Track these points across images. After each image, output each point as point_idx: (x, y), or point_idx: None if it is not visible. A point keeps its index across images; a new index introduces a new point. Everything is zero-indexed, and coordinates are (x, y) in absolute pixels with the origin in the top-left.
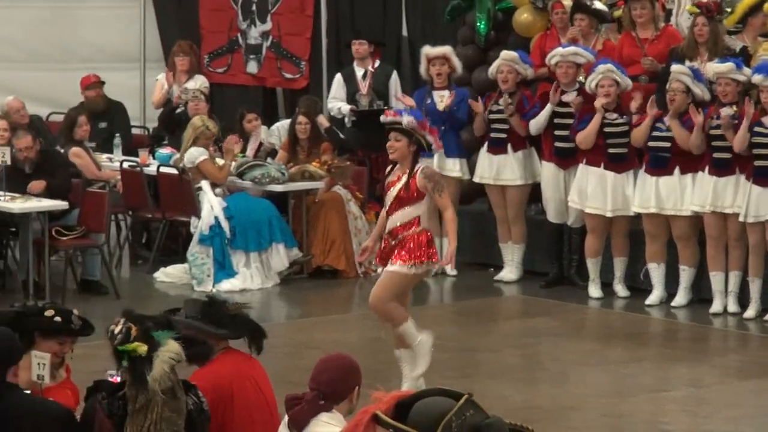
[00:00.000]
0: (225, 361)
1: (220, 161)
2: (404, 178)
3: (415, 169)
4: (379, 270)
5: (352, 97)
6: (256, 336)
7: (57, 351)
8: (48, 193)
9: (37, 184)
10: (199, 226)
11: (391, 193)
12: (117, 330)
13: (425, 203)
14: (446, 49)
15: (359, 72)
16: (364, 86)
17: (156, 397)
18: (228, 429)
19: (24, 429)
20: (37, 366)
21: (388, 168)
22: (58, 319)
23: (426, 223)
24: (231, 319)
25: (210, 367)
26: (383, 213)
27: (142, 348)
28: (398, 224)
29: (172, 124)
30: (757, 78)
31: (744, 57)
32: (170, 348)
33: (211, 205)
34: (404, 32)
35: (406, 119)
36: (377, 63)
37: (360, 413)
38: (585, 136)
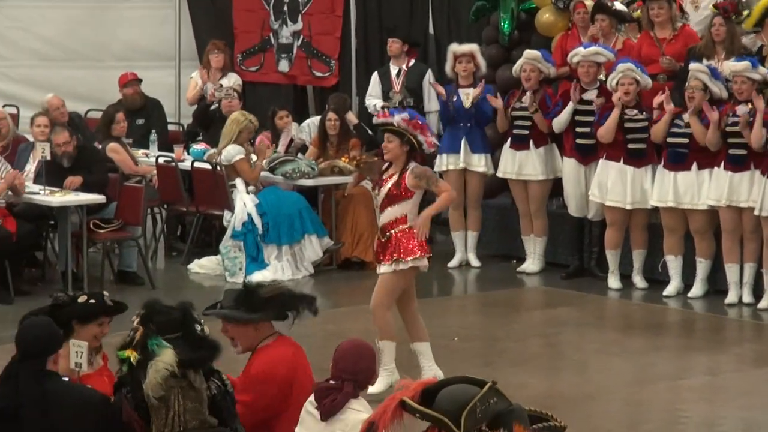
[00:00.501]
0: (283, 348)
1: (254, 157)
2: (395, 177)
3: (406, 168)
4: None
5: (386, 94)
6: (305, 304)
7: (97, 333)
8: (84, 188)
9: (74, 180)
10: (232, 222)
11: (383, 191)
12: (134, 324)
13: (413, 201)
14: (473, 47)
15: (394, 70)
16: (397, 84)
17: (150, 401)
18: (284, 417)
19: (63, 414)
20: (75, 354)
21: (384, 166)
22: (92, 301)
23: (413, 221)
24: (266, 302)
25: (273, 354)
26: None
27: (134, 355)
28: (387, 221)
29: (206, 121)
30: None
31: (759, 56)
32: (164, 359)
33: (244, 202)
34: (431, 31)
35: (397, 119)
36: (412, 62)
37: (388, 399)
38: (605, 131)
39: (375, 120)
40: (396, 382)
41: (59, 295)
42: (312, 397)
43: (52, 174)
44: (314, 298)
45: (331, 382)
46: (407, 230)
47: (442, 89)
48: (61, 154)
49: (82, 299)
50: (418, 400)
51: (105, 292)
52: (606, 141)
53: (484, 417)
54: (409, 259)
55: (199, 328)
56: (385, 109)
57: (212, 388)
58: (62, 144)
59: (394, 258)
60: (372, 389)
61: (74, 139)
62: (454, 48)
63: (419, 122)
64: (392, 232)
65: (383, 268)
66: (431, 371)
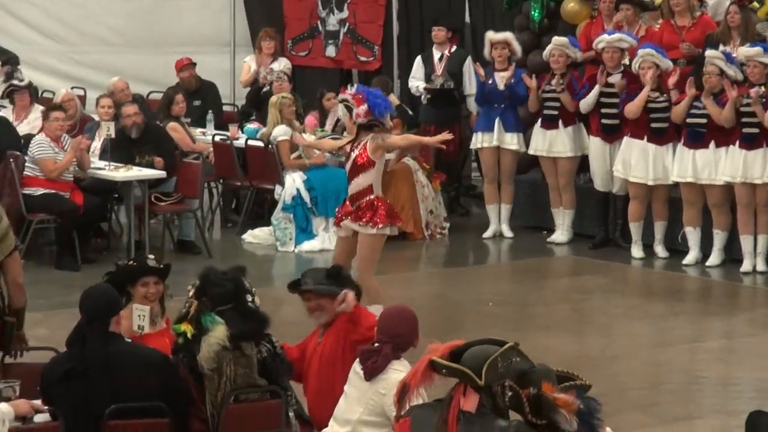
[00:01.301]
0: None
1: (306, 136)
2: (358, 148)
3: (365, 140)
4: (336, 230)
5: (428, 77)
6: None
7: (145, 293)
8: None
9: (159, 160)
10: (282, 195)
11: (348, 163)
12: (189, 294)
13: (376, 170)
14: (507, 35)
15: (436, 55)
16: (439, 68)
17: (204, 371)
18: None
19: (126, 373)
20: (137, 317)
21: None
22: (133, 263)
23: (378, 191)
24: (349, 280)
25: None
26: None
27: (190, 330)
28: (355, 191)
29: (258, 102)
30: None
31: None
32: (217, 334)
33: (293, 178)
34: (467, 19)
35: (346, 94)
36: (454, 48)
37: (419, 361)
38: (633, 107)
39: (339, 96)
40: None
41: (118, 263)
42: (358, 359)
43: (120, 145)
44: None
45: (375, 345)
46: (375, 199)
47: (482, 71)
48: (130, 125)
49: (129, 264)
50: (446, 359)
51: (150, 255)
52: (632, 117)
53: (506, 373)
54: (381, 225)
55: (250, 298)
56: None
57: (263, 352)
58: (133, 114)
59: (378, 224)
60: None
61: (141, 114)
62: (491, 36)
63: (359, 96)
64: (361, 201)
65: (361, 229)
66: None
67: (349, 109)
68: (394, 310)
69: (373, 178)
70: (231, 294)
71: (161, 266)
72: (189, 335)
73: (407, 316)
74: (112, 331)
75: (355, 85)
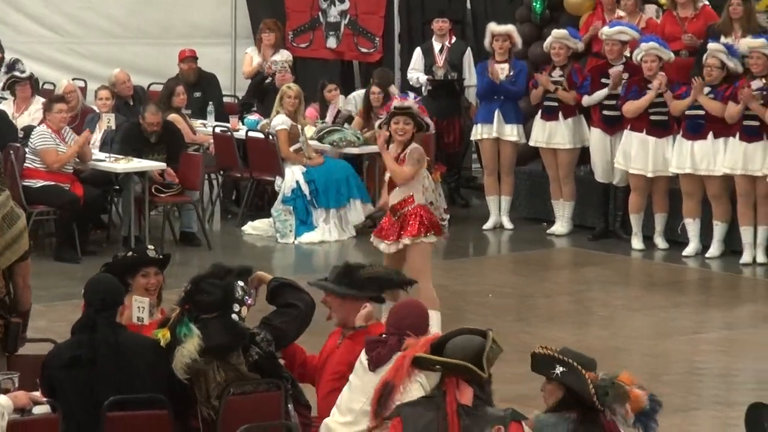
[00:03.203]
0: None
1: (307, 129)
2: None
3: (405, 151)
4: (377, 243)
5: (429, 68)
6: (390, 287)
7: (144, 284)
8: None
9: (170, 173)
10: (282, 188)
11: (388, 173)
12: (181, 295)
13: (417, 181)
14: (510, 28)
15: (437, 46)
16: (440, 59)
17: (186, 375)
18: None
19: (135, 361)
20: (137, 309)
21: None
22: (133, 254)
23: (421, 199)
24: (364, 281)
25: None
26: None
27: (165, 338)
28: (396, 201)
29: (261, 93)
30: None
31: None
32: (188, 347)
33: (292, 171)
34: (468, 6)
35: (413, 104)
36: (453, 39)
37: (398, 359)
38: (634, 109)
39: (399, 104)
40: None
41: (117, 255)
42: (364, 350)
43: (138, 142)
44: (410, 281)
45: (383, 336)
46: (415, 209)
47: (498, 74)
48: (151, 132)
49: (128, 254)
50: (428, 354)
51: (150, 246)
52: (631, 116)
53: (494, 359)
54: (432, 234)
55: (237, 308)
56: (402, 94)
57: (252, 355)
58: (155, 123)
59: (427, 232)
60: None
61: (160, 116)
62: (492, 27)
63: (421, 105)
64: (404, 211)
65: (407, 241)
66: None
67: (413, 118)
68: (403, 304)
69: (414, 188)
70: (217, 303)
71: (161, 257)
72: (163, 343)
73: (416, 310)
74: (118, 322)
75: (410, 94)
